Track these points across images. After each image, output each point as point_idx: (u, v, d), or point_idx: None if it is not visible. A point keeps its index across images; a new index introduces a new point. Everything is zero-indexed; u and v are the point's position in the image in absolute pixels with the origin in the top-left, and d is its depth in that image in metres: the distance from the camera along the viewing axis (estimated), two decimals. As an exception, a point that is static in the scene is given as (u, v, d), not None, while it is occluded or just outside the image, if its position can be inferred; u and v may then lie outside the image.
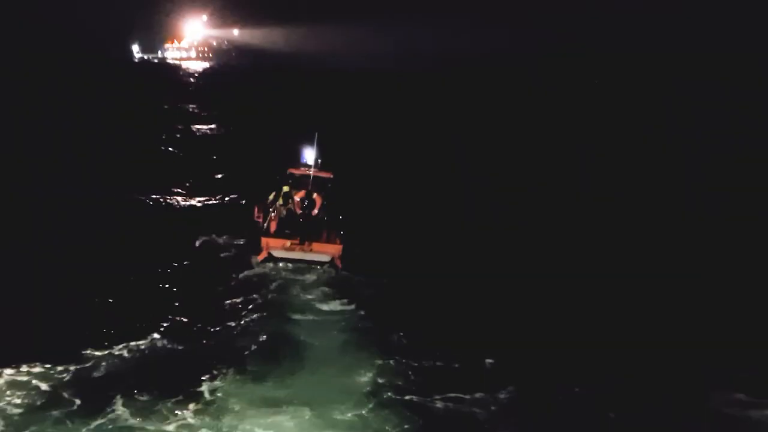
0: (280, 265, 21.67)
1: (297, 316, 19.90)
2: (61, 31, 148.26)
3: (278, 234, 20.67)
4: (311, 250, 20.38)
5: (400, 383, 16.88)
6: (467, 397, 16.71)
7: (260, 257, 21.59)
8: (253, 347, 18.22)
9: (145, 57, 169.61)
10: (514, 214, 36.38)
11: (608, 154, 57.27)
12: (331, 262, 20.76)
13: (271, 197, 23.25)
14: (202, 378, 16.54)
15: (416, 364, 17.83)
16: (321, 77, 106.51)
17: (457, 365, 18.13)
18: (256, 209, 23.07)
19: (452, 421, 15.74)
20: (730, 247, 29.70)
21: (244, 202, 31.79)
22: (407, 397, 16.38)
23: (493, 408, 16.22)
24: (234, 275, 22.37)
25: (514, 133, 70.50)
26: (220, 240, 25.36)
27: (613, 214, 36.29)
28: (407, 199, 36.20)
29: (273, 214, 21.65)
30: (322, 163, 23.69)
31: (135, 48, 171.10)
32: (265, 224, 21.33)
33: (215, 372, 16.78)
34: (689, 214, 35.79)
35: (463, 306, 22.63)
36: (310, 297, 20.97)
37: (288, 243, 20.45)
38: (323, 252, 20.67)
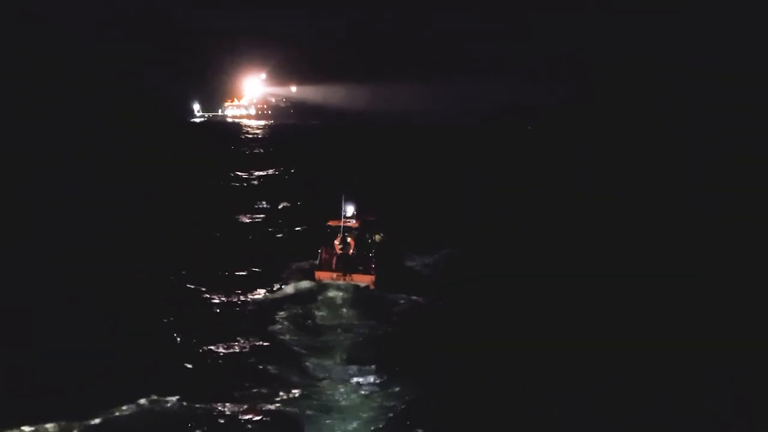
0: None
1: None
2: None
3: (327, 269, 26.84)
4: (351, 280, 26.12)
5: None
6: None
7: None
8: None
9: (206, 116, 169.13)
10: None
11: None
12: (367, 288, 26.07)
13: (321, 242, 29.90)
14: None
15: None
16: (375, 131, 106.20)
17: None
18: (321, 251, 28.95)
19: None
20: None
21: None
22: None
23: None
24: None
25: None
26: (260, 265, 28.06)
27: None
28: (425, 231, 35.51)
29: (321, 254, 28.16)
30: (357, 213, 28.93)
31: (196, 107, 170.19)
32: (317, 262, 27.64)
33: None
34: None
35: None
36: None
37: (334, 275, 26.29)
38: (360, 281, 26.15)
